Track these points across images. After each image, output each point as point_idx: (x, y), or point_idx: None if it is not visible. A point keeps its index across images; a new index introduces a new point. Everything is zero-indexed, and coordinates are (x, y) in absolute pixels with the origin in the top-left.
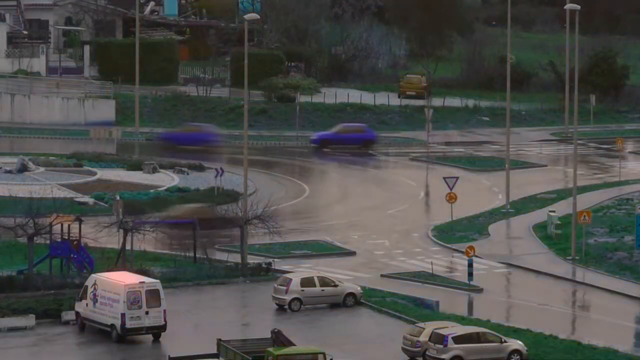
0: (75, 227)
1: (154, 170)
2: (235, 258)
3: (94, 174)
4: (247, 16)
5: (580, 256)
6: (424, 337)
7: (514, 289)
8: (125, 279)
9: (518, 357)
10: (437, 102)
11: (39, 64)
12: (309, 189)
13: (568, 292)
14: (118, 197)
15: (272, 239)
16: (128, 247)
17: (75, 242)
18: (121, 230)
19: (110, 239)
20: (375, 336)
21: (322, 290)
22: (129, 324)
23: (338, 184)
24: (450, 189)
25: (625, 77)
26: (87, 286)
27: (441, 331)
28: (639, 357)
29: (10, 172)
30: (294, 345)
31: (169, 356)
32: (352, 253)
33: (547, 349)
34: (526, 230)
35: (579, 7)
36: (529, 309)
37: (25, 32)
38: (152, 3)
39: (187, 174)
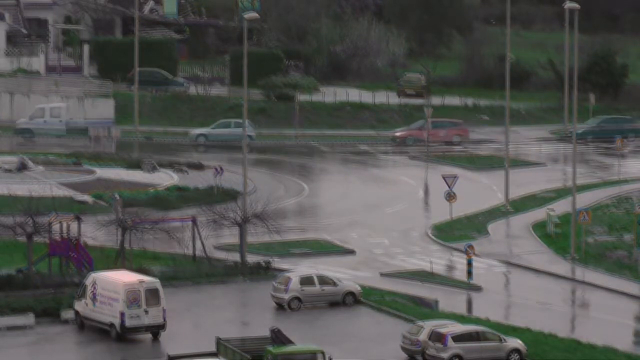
0: (74, 225)
1: (153, 169)
2: (235, 257)
3: (93, 172)
4: (247, 15)
5: (579, 255)
6: (423, 336)
7: (514, 287)
8: (124, 277)
9: (517, 355)
10: (436, 101)
11: (38, 63)
12: (309, 188)
13: (567, 291)
14: (117, 196)
15: (272, 237)
16: (127, 246)
17: (74, 241)
18: (120, 229)
19: (109, 238)
20: (375, 335)
21: (322, 289)
22: (129, 323)
23: (337, 183)
24: (450, 188)
25: (624, 76)
26: (86, 285)
27: (441, 330)
28: (639, 356)
29: (9, 171)
30: (293, 344)
31: (168, 355)
32: (351, 252)
33: (546, 348)
34: (525, 229)
35: (578, 6)
36: (529, 308)
37: (25, 31)
38: (151, 2)
39: (187, 172)
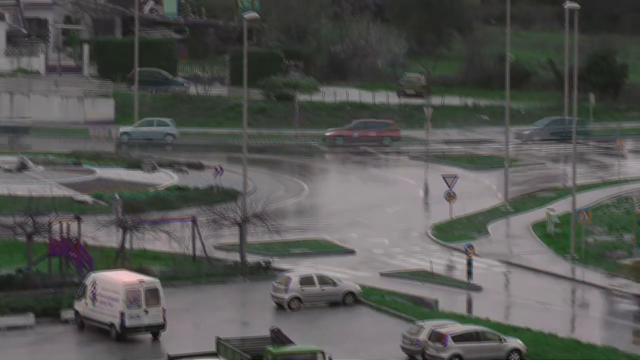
0: (74, 225)
1: (153, 169)
2: (235, 257)
3: (93, 172)
4: (247, 15)
5: (579, 255)
6: (423, 336)
7: (514, 287)
8: (124, 277)
9: (517, 355)
10: (436, 100)
11: (38, 63)
12: (309, 188)
13: (567, 291)
14: (117, 196)
15: (272, 237)
16: (127, 245)
17: (74, 241)
18: (120, 229)
19: (109, 238)
20: (375, 335)
21: (322, 289)
22: (129, 323)
23: (337, 183)
24: (450, 188)
25: (624, 75)
26: (86, 285)
27: (441, 330)
28: (639, 356)
29: (9, 170)
30: (293, 344)
31: (168, 355)
32: (351, 252)
33: (546, 348)
34: (525, 229)
35: (578, 6)
36: (529, 308)
37: (25, 31)
38: (151, 2)
39: (187, 172)
